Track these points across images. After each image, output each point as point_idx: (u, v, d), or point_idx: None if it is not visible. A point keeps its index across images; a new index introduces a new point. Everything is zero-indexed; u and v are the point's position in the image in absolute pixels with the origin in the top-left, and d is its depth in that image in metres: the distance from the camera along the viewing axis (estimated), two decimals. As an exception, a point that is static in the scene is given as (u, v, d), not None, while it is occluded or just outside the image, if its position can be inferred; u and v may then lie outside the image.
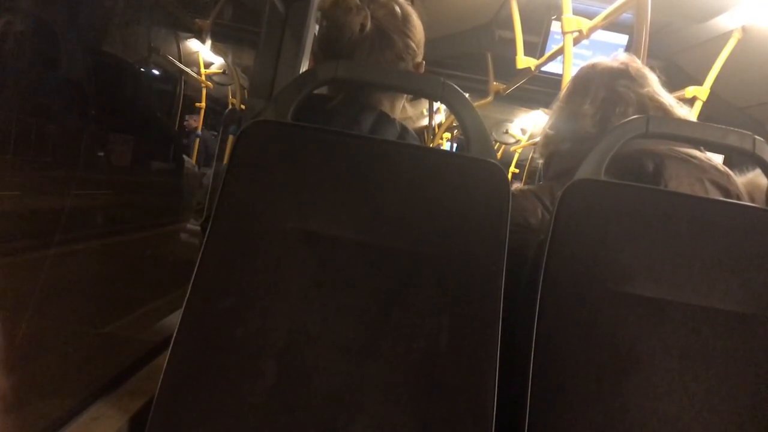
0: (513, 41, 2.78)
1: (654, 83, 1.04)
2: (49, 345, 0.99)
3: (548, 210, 0.97)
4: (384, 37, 0.96)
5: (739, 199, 0.89)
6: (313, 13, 1.60)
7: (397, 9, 0.98)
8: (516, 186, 1.02)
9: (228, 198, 0.78)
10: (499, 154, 6.53)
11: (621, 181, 0.81)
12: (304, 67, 1.59)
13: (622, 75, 1.03)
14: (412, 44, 0.99)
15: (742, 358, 0.73)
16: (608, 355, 0.73)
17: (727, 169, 0.92)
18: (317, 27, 1.63)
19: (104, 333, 1.25)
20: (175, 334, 0.73)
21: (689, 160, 0.90)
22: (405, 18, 0.98)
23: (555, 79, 2.51)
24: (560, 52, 2.28)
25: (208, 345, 0.73)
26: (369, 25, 0.95)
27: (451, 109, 0.83)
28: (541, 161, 1.15)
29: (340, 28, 0.95)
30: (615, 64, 1.06)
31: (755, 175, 1.03)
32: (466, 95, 0.83)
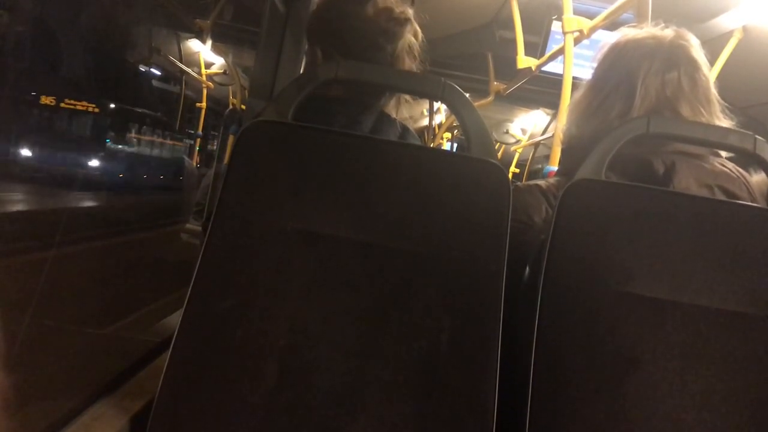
0: (513, 41, 2.78)
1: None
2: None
3: (553, 207, 0.94)
4: (413, 43, 0.98)
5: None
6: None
7: (411, 12, 0.99)
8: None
9: (229, 198, 0.78)
10: (499, 154, 6.53)
11: (626, 181, 0.80)
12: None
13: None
14: (418, 45, 1.00)
15: (743, 358, 0.73)
16: (609, 355, 0.73)
17: (742, 171, 0.89)
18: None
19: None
20: (175, 334, 0.73)
21: (701, 166, 0.88)
22: (413, 21, 1.00)
23: (556, 79, 2.51)
24: (561, 52, 2.28)
25: (209, 345, 0.73)
26: (420, 37, 0.97)
27: (452, 109, 0.83)
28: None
29: (393, 39, 0.95)
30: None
31: None
32: (467, 95, 0.83)
